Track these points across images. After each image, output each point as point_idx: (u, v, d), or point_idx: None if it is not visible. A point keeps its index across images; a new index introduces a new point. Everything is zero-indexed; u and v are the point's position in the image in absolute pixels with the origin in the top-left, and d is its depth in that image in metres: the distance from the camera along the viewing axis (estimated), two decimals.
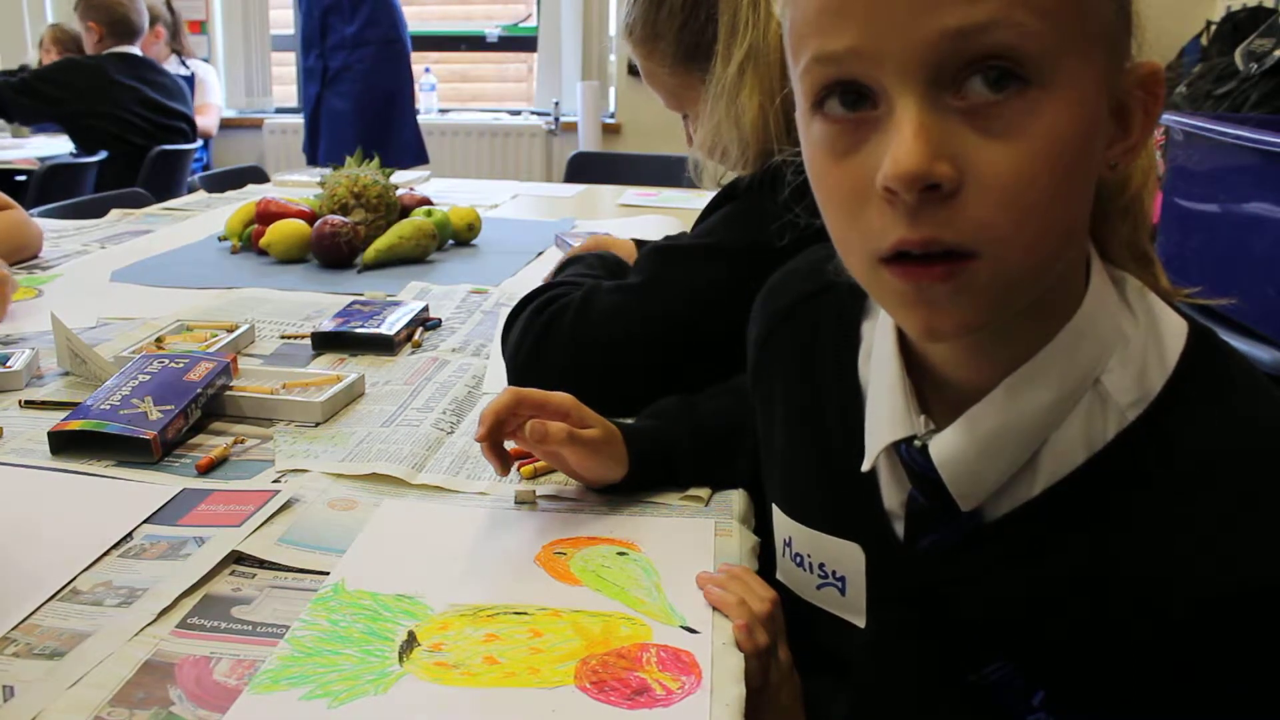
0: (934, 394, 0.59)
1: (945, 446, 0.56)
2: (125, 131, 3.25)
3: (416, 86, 3.74)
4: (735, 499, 0.84)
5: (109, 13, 3.27)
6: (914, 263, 0.48)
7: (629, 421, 0.87)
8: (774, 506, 0.74)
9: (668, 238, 1.18)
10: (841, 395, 0.66)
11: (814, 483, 0.69)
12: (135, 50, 3.34)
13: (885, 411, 0.60)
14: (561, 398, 0.81)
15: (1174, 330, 0.54)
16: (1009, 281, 0.49)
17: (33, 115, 3.43)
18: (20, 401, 1.01)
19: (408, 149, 3.54)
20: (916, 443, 0.58)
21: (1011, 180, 0.46)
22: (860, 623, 0.66)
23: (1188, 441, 0.51)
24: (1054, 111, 0.46)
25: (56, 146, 3.70)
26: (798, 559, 0.71)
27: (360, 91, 3.49)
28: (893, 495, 0.63)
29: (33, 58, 4.11)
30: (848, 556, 0.66)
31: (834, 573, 0.68)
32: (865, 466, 0.62)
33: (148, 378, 0.97)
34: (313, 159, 3.61)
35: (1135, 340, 0.54)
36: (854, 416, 0.64)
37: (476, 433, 0.79)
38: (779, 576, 0.74)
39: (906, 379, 0.60)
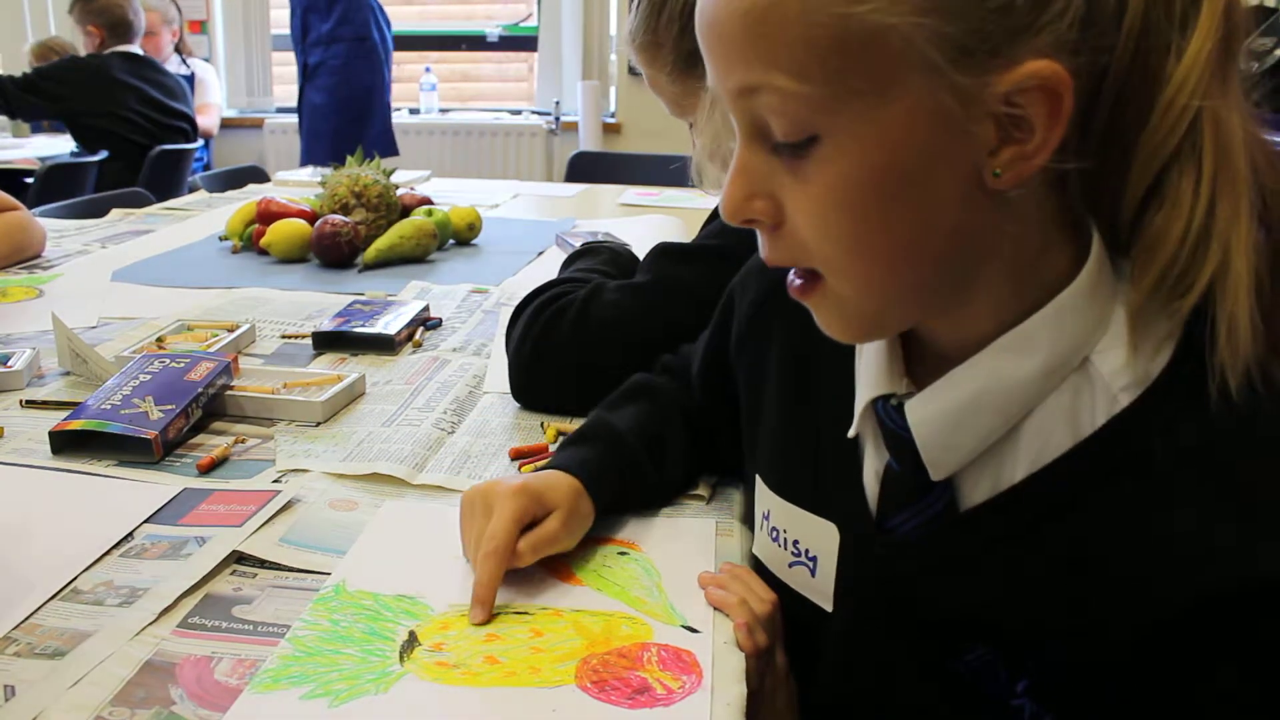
0: (924, 361, 0.59)
1: (922, 406, 0.56)
2: (127, 131, 3.25)
3: (392, 83, 3.95)
4: (736, 498, 0.84)
5: (109, 15, 3.28)
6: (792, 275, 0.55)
7: (562, 457, 0.78)
8: (757, 477, 0.74)
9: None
10: (836, 361, 0.65)
11: (800, 452, 0.69)
12: (137, 49, 3.35)
13: (871, 372, 0.61)
14: (520, 505, 0.69)
15: (1171, 320, 0.53)
16: (859, 298, 0.53)
17: (36, 113, 3.44)
18: (21, 401, 1.01)
19: (376, 143, 3.66)
20: (893, 401, 0.58)
21: (812, 219, 0.51)
22: (828, 606, 0.66)
23: (1183, 432, 0.50)
24: (840, 159, 0.49)
25: (57, 146, 3.71)
26: (774, 533, 0.71)
27: (332, 86, 3.69)
28: (872, 466, 0.62)
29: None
30: (823, 536, 0.66)
31: (806, 551, 0.67)
32: (852, 431, 0.62)
33: (148, 377, 0.97)
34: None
35: (1127, 323, 0.52)
36: (846, 383, 0.64)
37: (476, 616, 0.65)
38: (754, 550, 0.74)
39: (895, 339, 0.60)
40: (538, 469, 0.78)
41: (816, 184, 0.50)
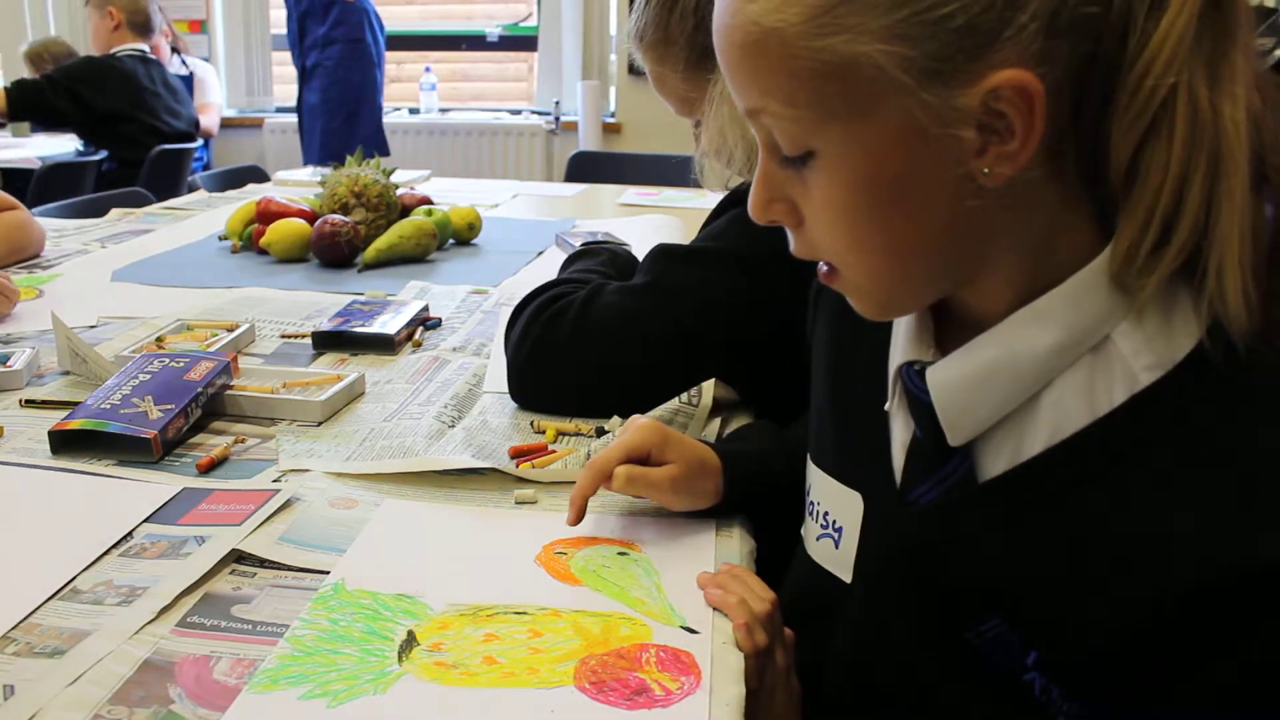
0: (954, 330, 0.61)
1: (941, 371, 0.59)
2: (147, 136, 3.22)
3: (383, 85, 4.08)
4: None
5: (133, 2, 3.25)
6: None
7: (721, 444, 0.85)
8: (808, 455, 0.76)
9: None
10: (876, 336, 0.67)
11: (839, 424, 0.71)
12: (148, 50, 3.33)
13: (901, 340, 0.63)
14: (639, 439, 0.78)
15: (1196, 304, 0.52)
16: (870, 286, 0.59)
17: (61, 119, 3.22)
18: (21, 401, 1.02)
19: (367, 143, 3.75)
20: (917, 367, 0.60)
21: (818, 222, 0.57)
22: (847, 578, 0.67)
23: (1204, 414, 0.51)
24: (834, 172, 0.54)
25: (57, 146, 3.69)
26: (810, 507, 0.73)
27: (327, 86, 3.86)
28: (900, 439, 0.64)
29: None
30: (848, 506, 0.68)
31: (834, 523, 0.69)
32: (888, 404, 0.65)
33: (148, 377, 0.97)
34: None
35: (1151, 305, 0.53)
36: (883, 356, 0.66)
37: (569, 518, 0.76)
38: (802, 530, 0.75)
39: (926, 309, 0.62)
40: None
41: (818, 192, 0.55)
